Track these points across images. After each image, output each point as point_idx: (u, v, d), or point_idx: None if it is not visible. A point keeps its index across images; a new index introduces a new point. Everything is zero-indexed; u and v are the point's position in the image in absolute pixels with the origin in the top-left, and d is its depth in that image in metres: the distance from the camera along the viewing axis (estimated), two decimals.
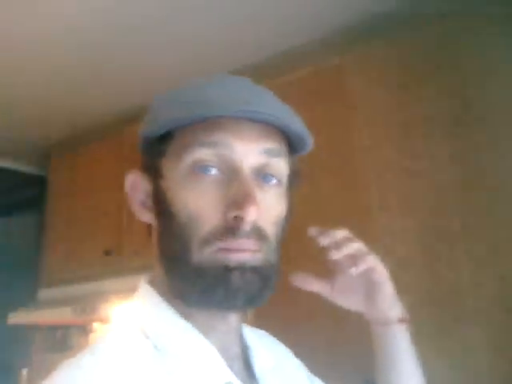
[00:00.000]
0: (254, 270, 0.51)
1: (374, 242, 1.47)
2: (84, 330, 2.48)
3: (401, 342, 0.70)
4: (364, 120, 1.61)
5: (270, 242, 0.54)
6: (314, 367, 0.74)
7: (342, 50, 1.71)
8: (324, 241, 0.65)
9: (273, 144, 0.54)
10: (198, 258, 0.51)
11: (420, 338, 1.35)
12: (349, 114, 1.64)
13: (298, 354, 0.74)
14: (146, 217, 0.59)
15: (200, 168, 0.52)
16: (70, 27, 1.76)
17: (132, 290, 2.03)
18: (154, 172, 0.57)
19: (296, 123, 0.54)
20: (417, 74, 1.54)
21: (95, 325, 2.44)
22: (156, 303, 0.56)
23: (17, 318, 2.34)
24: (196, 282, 0.51)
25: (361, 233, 1.49)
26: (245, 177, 0.52)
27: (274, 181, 0.55)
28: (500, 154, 1.37)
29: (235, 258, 0.50)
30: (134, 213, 0.59)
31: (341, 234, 0.66)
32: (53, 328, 2.57)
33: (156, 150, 0.56)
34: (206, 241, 0.51)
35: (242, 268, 0.50)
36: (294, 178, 0.59)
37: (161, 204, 0.55)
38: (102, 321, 2.37)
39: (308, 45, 1.81)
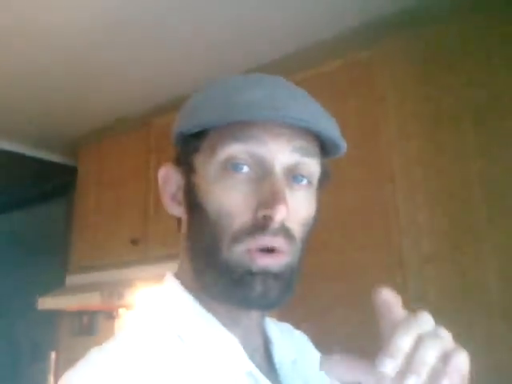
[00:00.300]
0: (277, 276, 0.51)
1: (400, 236, 1.48)
2: (110, 315, 2.54)
3: None
4: (392, 112, 1.60)
5: (297, 243, 0.54)
6: None
7: (371, 43, 1.69)
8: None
9: (306, 144, 0.54)
10: (227, 256, 0.52)
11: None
12: (378, 106, 1.63)
13: (317, 346, 0.74)
14: (176, 210, 0.59)
15: (232, 165, 0.52)
16: (96, 14, 1.78)
17: (157, 278, 2.06)
18: (186, 166, 0.58)
19: (328, 127, 0.54)
20: (444, 65, 1.52)
21: (121, 311, 2.50)
22: (181, 295, 0.57)
23: (46, 303, 2.41)
24: (219, 279, 0.52)
25: (387, 226, 1.51)
26: (276, 176, 0.52)
27: (305, 181, 0.55)
28: None
29: (260, 263, 0.51)
30: (164, 206, 0.60)
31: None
32: (80, 313, 2.64)
33: (190, 145, 0.57)
34: (236, 238, 0.51)
35: (264, 274, 0.51)
36: (324, 179, 0.59)
37: (192, 199, 0.56)
38: (128, 307, 2.42)
39: (338, 38, 1.80)
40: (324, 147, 0.57)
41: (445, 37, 1.54)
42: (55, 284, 2.57)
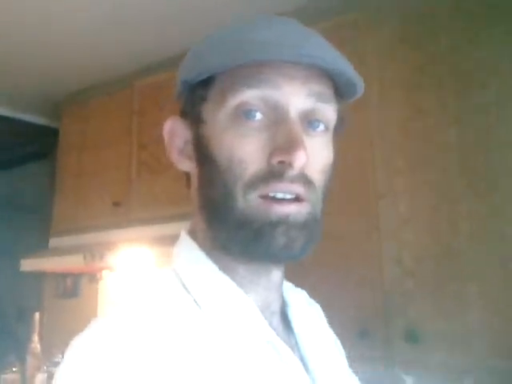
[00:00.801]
0: (299, 226, 0.49)
1: (378, 199, 1.50)
2: (93, 278, 2.56)
3: None
4: (374, 76, 1.60)
5: (317, 190, 0.51)
6: None
7: (357, 7, 1.67)
8: None
9: (321, 87, 0.51)
10: (243, 205, 0.49)
11: (419, 292, 1.39)
12: (360, 68, 1.62)
13: None
14: (185, 165, 0.56)
15: (244, 112, 0.49)
16: None
17: (139, 239, 2.07)
18: (194, 118, 0.54)
19: (345, 65, 0.51)
20: (429, 31, 1.51)
21: (104, 273, 2.52)
22: (196, 256, 0.54)
23: (29, 265, 2.42)
24: (238, 233, 0.49)
25: (364, 189, 1.52)
26: (292, 120, 0.49)
27: (322, 127, 0.52)
28: (506, 116, 1.36)
29: (279, 211, 0.48)
30: (172, 161, 0.57)
31: None
32: (63, 275, 2.66)
33: (197, 95, 0.53)
34: (250, 185, 0.48)
35: (285, 223, 0.48)
36: (340, 125, 0.56)
37: (202, 150, 0.53)
38: (111, 269, 2.44)
39: (323, 1, 1.78)
40: (339, 91, 0.54)
41: (431, 3, 1.53)
42: (39, 246, 2.57)
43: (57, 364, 2.36)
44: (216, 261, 0.53)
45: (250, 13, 1.92)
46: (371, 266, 1.49)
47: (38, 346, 2.33)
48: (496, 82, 1.39)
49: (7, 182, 3.58)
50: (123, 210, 2.23)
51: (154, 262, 2.12)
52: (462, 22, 1.47)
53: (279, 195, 0.49)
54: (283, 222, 0.48)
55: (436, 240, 1.41)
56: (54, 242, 2.53)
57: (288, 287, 0.62)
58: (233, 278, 0.52)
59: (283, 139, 0.48)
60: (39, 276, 2.76)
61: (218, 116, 0.51)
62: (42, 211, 2.78)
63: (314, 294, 0.69)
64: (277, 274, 0.55)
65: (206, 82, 0.52)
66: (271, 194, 0.48)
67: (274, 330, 0.53)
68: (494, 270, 1.31)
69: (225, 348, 0.48)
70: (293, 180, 0.48)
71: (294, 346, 0.56)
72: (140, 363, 0.42)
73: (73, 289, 2.66)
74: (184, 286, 0.52)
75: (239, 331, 0.50)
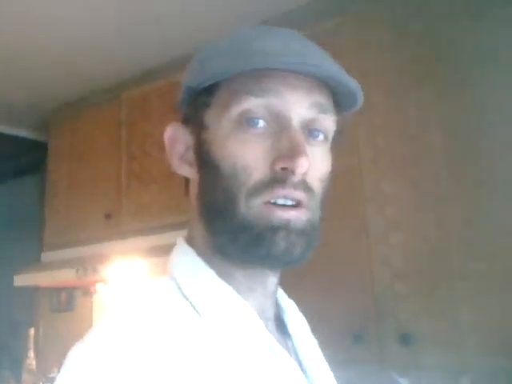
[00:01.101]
0: (299, 231, 0.50)
1: (365, 203, 1.51)
2: (87, 291, 2.56)
3: None
4: (358, 81, 1.61)
5: (316, 197, 0.53)
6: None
7: (336, 13, 1.69)
8: None
9: (323, 98, 0.52)
10: (245, 211, 0.50)
11: (409, 294, 1.40)
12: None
13: None
14: (185, 170, 0.57)
15: (247, 120, 0.50)
16: None
17: (131, 251, 2.06)
18: (196, 124, 0.55)
19: (349, 78, 0.52)
20: (409, 36, 1.53)
21: (98, 286, 2.51)
22: (194, 262, 0.54)
23: (21, 280, 2.41)
24: (240, 237, 0.50)
25: (351, 193, 1.53)
26: (294, 128, 0.50)
27: (321, 137, 0.54)
28: (491, 116, 1.38)
29: (280, 216, 0.49)
30: (172, 166, 0.57)
31: None
32: (57, 289, 2.65)
33: (200, 101, 0.54)
34: (254, 191, 0.49)
35: (286, 229, 0.49)
36: (339, 136, 0.58)
37: (204, 156, 0.53)
38: (104, 282, 2.43)
39: (304, 8, 1.80)
40: (338, 102, 0.55)
41: (410, 6, 1.55)
42: (32, 260, 2.56)
43: (52, 380, 2.34)
44: (215, 267, 0.53)
45: (240, 20, 1.93)
46: (361, 269, 1.50)
47: (34, 362, 2.32)
48: (480, 82, 1.41)
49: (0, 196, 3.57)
50: (114, 222, 2.22)
51: (147, 273, 2.12)
52: (444, 23, 1.48)
53: (280, 201, 0.50)
54: (284, 227, 0.49)
55: (425, 241, 1.42)
56: (46, 256, 2.52)
57: (282, 294, 0.63)
58: (230, 284, 0.53)
59: (286, 146, 0.49)
60: (33, 290, 2.74)
61: (221, 122, 0.52)
62: (34, 225, 2.77)
63: (305, 299, 0.69)
64: (273, 280, 0.56)
65: (210, 89, 0.53)
66: (272, 200, 0.50)
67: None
68: (483, 270, 1.32)
69: (224, 353, 0.48)
70: (295, 186, 0.49)
71: (291, 349, 0.58)
72: (140, 370, 0.42)
73: (67, 303, 2.65)
74: (182, 292, 0.52)
75: (238, 336, 0.50)
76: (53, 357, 2.52)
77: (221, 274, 0.53)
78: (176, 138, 0.57)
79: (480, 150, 1.39)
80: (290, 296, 0.65)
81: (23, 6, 1.82)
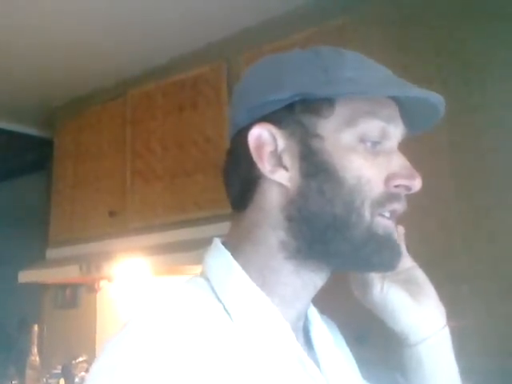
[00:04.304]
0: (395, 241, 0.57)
1: None
2: (91, 288, 2.57)
3: (447, 354, 0.67)
4: None
5: None
6: None
7: (343, 11, 1.68)
8: None
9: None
10: (369, 221, 0.54)
11: None
12: None
13: None
14: (278, 175, 0.55)
15: (370, 139, 0.55)
16: None
17: (135, 249, 2.06)
18: (304, 131, 0.55)
19: (435, 95, 0.57)
20: (417, 34, 1.52)
21: (102, 283, 2.52)
22: (230, 265, 0.55)
23: (26, 276, 2.42)
24: (366, 245, 0.54)
25: None
26: (399, 152, 0.57)
27: None
28: (496, 116, 1.37)
29: (391, 225, 0.56)
30: (262, 170, 0.55)
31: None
32: (62, 286, 2.66)
33: (317, 109, 0.54)
34: (377, 203, 0.54)
35: (393, 238, 0.56)
36: None
37: (320, 165, 0.54)
38: (108, 279, 2.44)
39: (310, 6, 1.79)
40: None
41: (418, 5, 1.54)
42: (37, 257, 2.57)
43: (56, 376, 2.36)
44: (248, 273, 0.55)
45: (245, 17, 1.93)
46: None
47: (37, 358, 2.33)
48: (485, 83, 1.39)
49: (4, 193, 3.59)
50: (119, 220, 2.23)
51: (152, 271, 2.12)
52: (449, 22, 1.47)
53: (387, 214, 0.55)
54: (392, 236, 0.56)
55: (428, 243, 1.41)
56: (51, 252, 2.53)
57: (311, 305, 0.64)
58: (268, 296, 0.54)
59: (400, 166, 0.56)
60: (38, 287, 2.75)
61: (342, 136, 0.54)
62: (39, 222, 2.78)
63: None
64: (318, 288, 0.59)
65: (332, 101, 0.54)
66: (383, 212, 0.55)
67: (297, 339, 0.55)
68: (487, 271, 1.31)
69: (255, 362, 0.49)
70: (403, 201, 0.56)
71: (315, 362, 0.58)
72: (171, 373, 0.43)
73: (72, 299, 2.66)
74: (216, 294, 0.53)
75: (269, 346, 0.51)
76: (57, 353, 2.54)
77: (271, 282, 0.55)
78: (266, 140, 0.55)
79: (484, 151, 1.38)
80: None
81: (29, 0, 1.83)
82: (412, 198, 1.49)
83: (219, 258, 0.56)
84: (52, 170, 2.69)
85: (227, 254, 0.56)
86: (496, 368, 1.27)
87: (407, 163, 0.57)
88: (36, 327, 2.39)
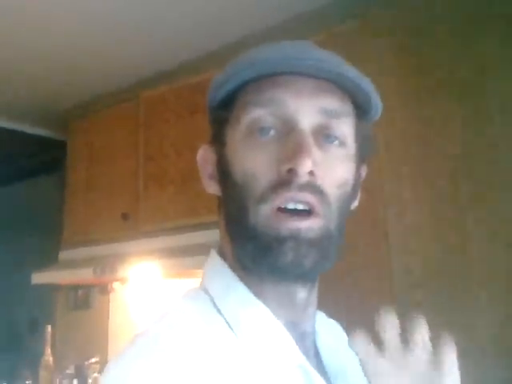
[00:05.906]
0: (310, 242, 0.48)
1: (384, 209, 1.49)
2: (104, 289, 2.58)
3: None
4: (377, 86, 1.59)
5: (331, 203, 0.50)
6: None
7: (356, 15, 1.67)
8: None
9: (331, 103, 0.51)
10: (254, 219, 0.49)
11: (429, 305, 1.37)
12: None
13: None
14: (212, 188, 0.57)
15: (257, 130, 0.51)
16: None
17: (147, 252, 2.06)
18: (219, 141, 0.56)
19: (356, 76, 0.51)
20: (430, 38, 1.50)
21: (115, 284, 2.53)
22: (227, 276, 0.54)
23: (40, 277, 2.44)
24: (248, 245, 0.50)
25: (371, 199, 1.51)
26: (299, 131, 0.50)
27: (337, 142, 0.52)
28: (511, 123, 1.35)
29: (290, 225, 0.48)
30: (204, 186, 0.58)
31: None
32: (75, 287, 2.68)
33: (220, 117, 0.55)
34: (261, 198, 0.49)
35: (295, 239, 0.48)
36: (365, 143, 0.56)
37: (223, 171, 0.54)
38: (121, 281, 2.45)
39: (322, 10, 1.78)
40: (360, 107, 0.55)
41: (431, 9, 1.52)
42: (50, 259, 2.59)
43: (69, 376, 2.37)
44: (245, 282, 0.53)
45: (256, 20, 1.92)
46: (380, 276, 1.47)
47: (51, 358, 2.34)
48: (499, 89, 1.37)
49: (19, 195, 3.62)
50: (132, 223, 2.24)
51: (163, 274, 2.13)
52: (462, 28, 1.45)
53: (290, 205, 0.48)
54: (293, 237, 0.48)
55: (444, 249, 1.40)
56: (64, 254, 2.54)
57: (320, 315, 0.62)
58: (260, 299, 0.52)
59: (290, 148, 0.49)
60: (51, 288, 2.77)
61: (235, 136, 0.53)
62: (53, 224, 2.80)
63: (321, 305, 0.69)
64: (302, 296, 0.54)
65: (227, 104, 0.54)
66: (282, 206, 0.48)
67: (307, 352, 0.53)
68: (504, 278, 1.29)
69: (260, 374, 0.48)
70: (301, 188, 0.48)
71: (322, 372, 0.56)
72: None
73: (84, 300, 2.67)
74: (216, 307, 0.52)
75: (269, 354, 0.50)
76: (70, 354, 2.55)
77: (251, 288, 0.53)
78: (206, 158, 0.58)
79: (500, 157, 1.36)
80: None
81: (42, 1, 1.84)
82: (429, 205, 1.47)
83: (214, 269, 0.56)
84: (65, 171, 2.71)
85: (222, 264, 0.55)
86: None
87: (298, 143, 0.48)
88: (49, 328, 2.41)
